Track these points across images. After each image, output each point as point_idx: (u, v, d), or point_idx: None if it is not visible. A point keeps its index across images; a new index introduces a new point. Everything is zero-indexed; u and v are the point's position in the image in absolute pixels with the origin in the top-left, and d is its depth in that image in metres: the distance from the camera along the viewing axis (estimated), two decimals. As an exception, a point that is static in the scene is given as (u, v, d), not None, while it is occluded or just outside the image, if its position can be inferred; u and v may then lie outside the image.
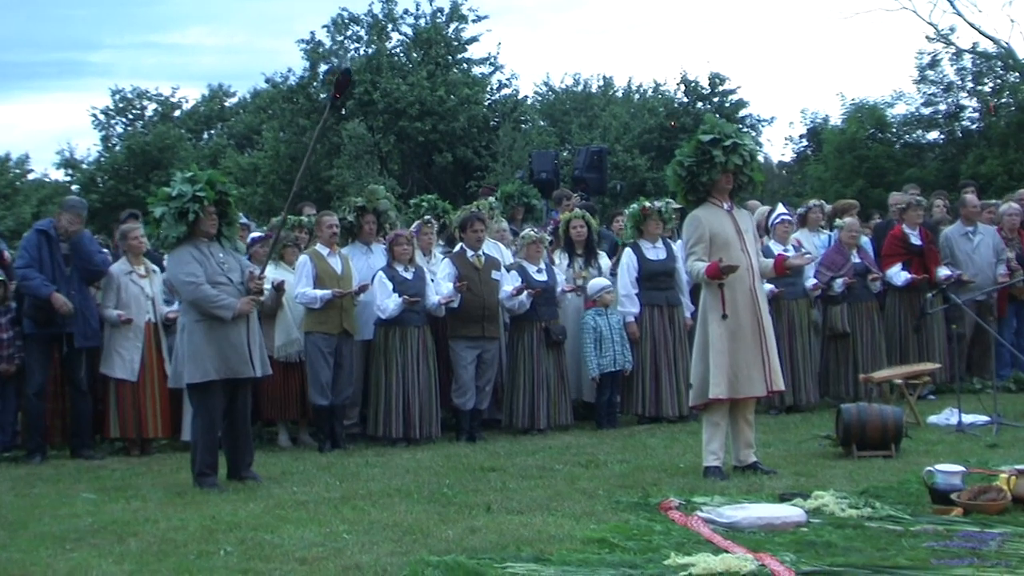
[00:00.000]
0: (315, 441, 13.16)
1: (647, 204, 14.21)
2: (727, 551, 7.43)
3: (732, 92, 43.15)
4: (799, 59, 74.42)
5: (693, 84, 42.80)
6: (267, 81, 46.76)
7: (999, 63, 37.12)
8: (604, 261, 14.58)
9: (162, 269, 12.62)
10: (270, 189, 44.00)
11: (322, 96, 42.26)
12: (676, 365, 13.79)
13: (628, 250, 14.11)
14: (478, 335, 13.38)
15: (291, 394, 13.32)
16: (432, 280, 13.41)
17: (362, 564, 7.36)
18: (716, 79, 42.71)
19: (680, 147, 10.88)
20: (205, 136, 58.13)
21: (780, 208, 14.90)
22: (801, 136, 41.84)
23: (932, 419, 13.02)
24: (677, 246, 13.60)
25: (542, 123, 46.30)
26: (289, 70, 45.69)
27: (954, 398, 13.03)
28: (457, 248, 13.79)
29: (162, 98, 58.10)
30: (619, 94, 48.50)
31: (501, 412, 13.96)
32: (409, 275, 13.14)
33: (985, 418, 12.62)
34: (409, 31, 45.41)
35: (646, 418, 13.84)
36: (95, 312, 12.96)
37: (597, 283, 13.89)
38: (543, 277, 13.65)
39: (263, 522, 8.84)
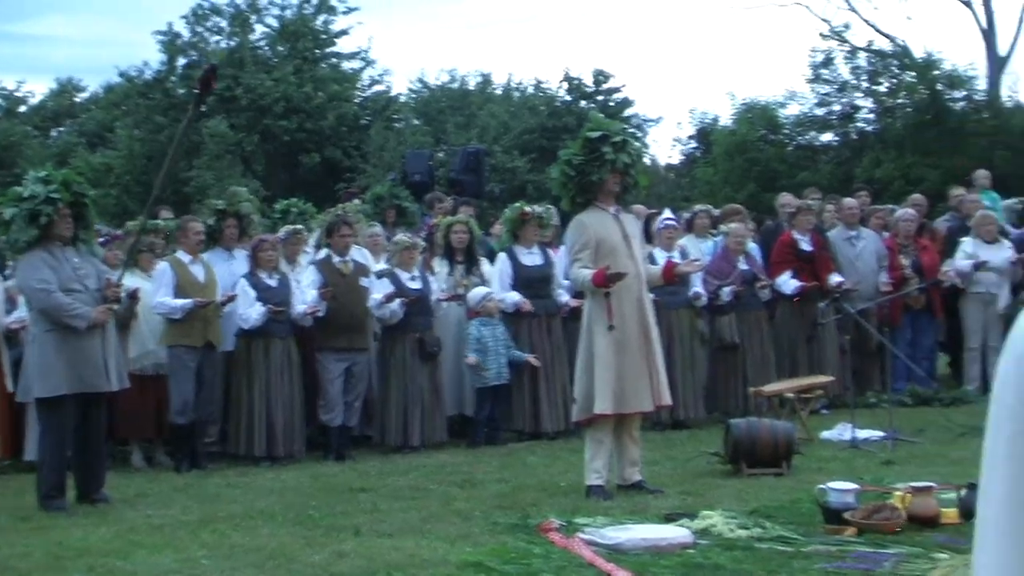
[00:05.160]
0: (172, 460, 13.01)
1: (526, 208, 14.25)
2: (610, 575, 7.48)
3: (617, 90, 43.44)
4: (687, 56, 75.16)
5: (576, 82, 43.03)
6: (121, 75, 46.14)
7: (895, 62, 37.76)
8: (487, 268, 14.54)
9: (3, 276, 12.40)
10: (124, 191, 43.40)
11: (180, 92, 41.82)
12: (555, 378, 13.82)
13: (503, 256, 14.13)
14: (346, 346, 13.32)
15: (146, 410, 13.13)
16: (297, 288, 13.32)
17: (222, 592, 7.31)
18: (601, 76, 42.97)
19: (564, 147, 10.93)
20: (54, 133, 57.20)
21: (666, 213, 15.01)
22: (690, 137, 42.27)
23: (825, 435, 13.16)
24: (558, 253, 13.66)
25: (416, 122, 46.17)
26: (145, 63, 45.12)
27: (848, 412, 13.22)
28: (323, 254, 13.71)
29: (6, 92, 57.09)
30: (498, 92, 48.55)
31: (371, 429, 13.90)
32: (273, 282, 13.05)
33: (880, 433, 12.82)
34: (274, 23, 45.10)
35: (525, 434, 13.87)
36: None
37: (479, 292, 13.84)
38: (417, 285, 13.61)
39: (115, 547, 8.74)
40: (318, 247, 14.26)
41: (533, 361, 13.70)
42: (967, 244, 16.03)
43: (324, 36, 45.22)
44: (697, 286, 14.49)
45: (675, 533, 8.50)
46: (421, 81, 50.62)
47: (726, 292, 14.58)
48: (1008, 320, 15.32)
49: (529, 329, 14.00)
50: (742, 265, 14.86)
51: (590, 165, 10.48)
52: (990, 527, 4.46)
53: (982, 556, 4.53)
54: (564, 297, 13.98)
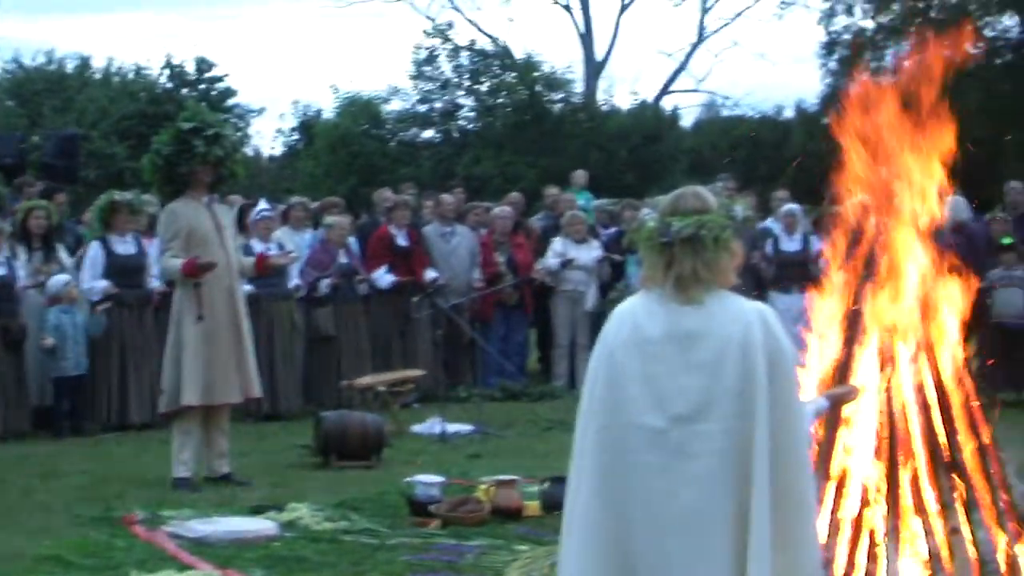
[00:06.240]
0: None
1: (116, 197, 13.97)
2: (193, 567, 7.46)
3: (220, 79, 42.92)
4: (291, 47, 74.69)
5: (178, 69, 42.32)
6: None
7: (496, 62, 38.57)
8: (64, 255, 14.12)
9: None
10: None
11: None
12: (144, 368, 13.60)
13: (95, 244, 13.82)
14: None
15: None
16: None
17: None
18: (203, 64, 42.38)
19: (159, 135, 10.80)
20: None
21: (262, 204, 14.96)
22: (292, 129, 42.04)
23: (416, 428, 13.38)
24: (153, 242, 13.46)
25: (9, 103, 44.51)
26: None
27: (439, 406, 13.50)
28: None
29: None
30: (97, 76, 47.27)
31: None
32: None
33: (469, 427, 13.15)
34: None
35: (112, 425, 13.60)
36: None
37: (59, 279, 13.47)
38: (1, 271, 13.18)
39: None
40: None
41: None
42: (557, 243, 16.53)
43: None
44: (296, 278, 14.52)
45: (260, 525, 8.55)
46: (16, 61, 48.80)
47: (324, 284, 14.66)
48: (596, 318, 15.95)
49: (120, 318, 13.73)
50: (341, 258, 14.96)
51: (180, 156, 10.39)
52: (578, 517, 4.72)
53: (569, 546, 4.78)
54: (155, 285, 13.76)
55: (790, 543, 4.52)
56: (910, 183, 6.66)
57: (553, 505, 8.95)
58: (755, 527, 4.44)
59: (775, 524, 4.45)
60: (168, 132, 10.56)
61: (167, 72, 42.29)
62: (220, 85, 42.55)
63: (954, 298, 6.65)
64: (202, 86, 42.02)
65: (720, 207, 4.79)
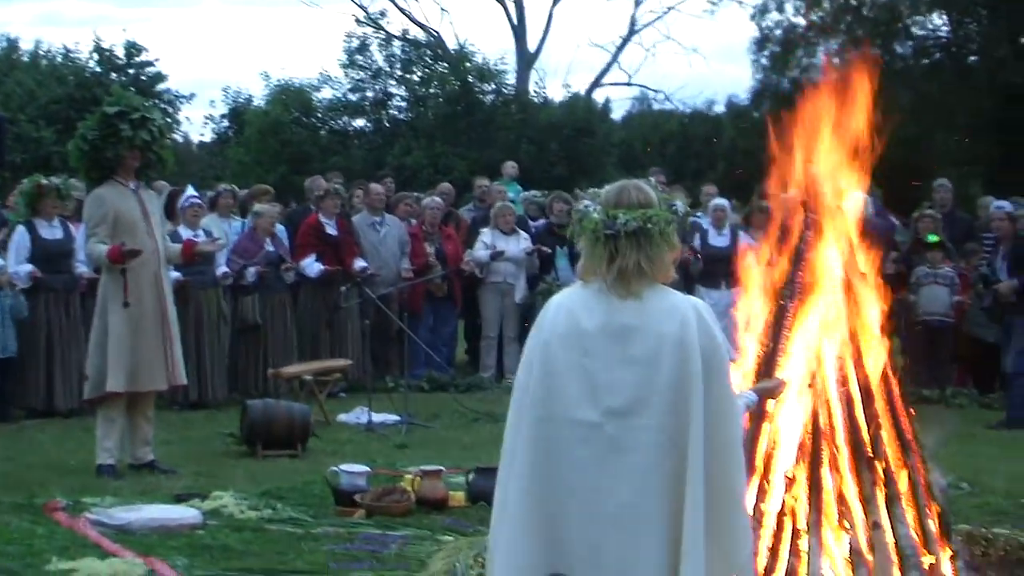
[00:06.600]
0: None
1: (42, 181, 13.85)
2: (115, 555, 7.43)
3: (150, 64, 42.61)
4: (223, 34, 74.25)
5: (108, 53, 41.98)
6: None
7: (429, 52, 38.55)
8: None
9: None
10: None
11: None
12: (71, 354, 13.49)
13: (21, 228, 13.68)
14: None
15: None
16: None
17: None
18: (133, 49, 42.05)
19: (85, 119, 10.72)
20: None
21: (190, 191, 14.87)
22: (222, 116, 41.80)
23: (342, 417, 13.41)
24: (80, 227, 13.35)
25: (-65, 86, 44.03)
26: None
27: (366, 396, 13.48)
28: None
29: None
30: (25, 59, 46.82)
31: None
32: None
33: (396, 417, 13.15)
34: None
35: (37, 412, 13.49)
36: None
37: (-10, 263, 13.38)
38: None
39: None
40: None
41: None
42: (486, 234, 16.53)
43: None
44: (223, 266, 14.45)
45: (184, 514, 8.52)
46: (-63, 45, 48.27)
47: (251, 272, 14.59)
48: (524, 310, 15.99)
49: (46, 304, 13.62)
50: (268, 246, 14.90)
51: (106, 141, 10.33)
52: (509, 509, 4.71)
53: (500, 538, 4.77)
54: (82, 271, 13.65)
55: (723, 536, 4.55)
56: (836, 180, 6.72)
57: (478, 496, 9.00)
58: (689, 521, 4.45)
59: (709, 518, 4.47)
60: (94, 116, 10.51)
61: (96, 56, 41.90)
62: (150, 70, 42.20)
63: (878, 295, 6.72)
64: (132, 71, 41.65)
65: (661, 202, 4.80)
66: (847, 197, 6.77)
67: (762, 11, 33.40)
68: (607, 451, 4.55)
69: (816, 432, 6.36)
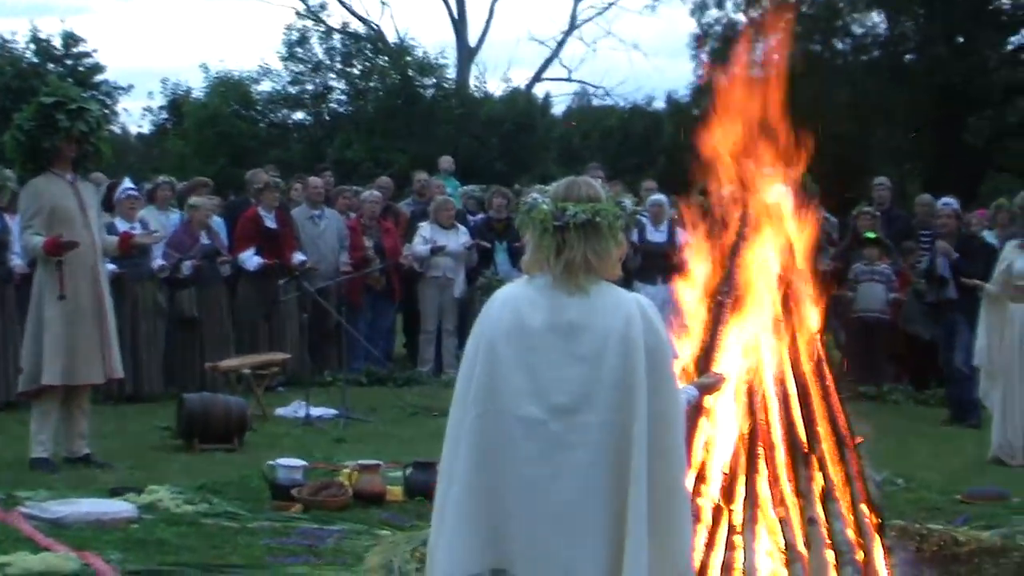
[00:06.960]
0: None
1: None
2: (49, 549, 7.37)
3: (88, 55, 42.30)
4: (162, 25, 73.75)
5: (45, 43, 41.63)
6: None
7: (369, 45, 38.47)
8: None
9: None
10: None
11: None
12: (7, 347, 13.38)
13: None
14: None
15: None
16: None
17: None
18: (71, 39, 41.74)
19: (22, 110, 10.65)
20: None
21: (126, 182, 14.77)
22: (161, 107, 41.58)
23: (280, 411, 13.39)
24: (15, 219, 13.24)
25: None
26: None
27: (304, 390, 13.45)
28: None
29: None
30: (-41, 49, 46.38)
31: None
32: None
33: (334, 411, 13.14)
34: None
35: (-29, 405, 13.37)
36: None
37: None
38: None
39: None
40: None
41: None
42: (425, 228, 16.51)
43: None
44: (159, 258, 14.36)
45: (119, 508, 8.46)
46: None
47: (186, 266, 14.51)
48: (463, 305, 16.00)
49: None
50: (204, 239, 14.81)
51: (43, 131, 10.25)
52: (451, 506, 4.69)
53: (441, 535, 4.75)
54: (17, 263, 13.53)
55: (666, 532, 4.54)
56: (772, 176, 6.75)
57: (416, 491, 9.01)
58: (633, 517, 4.43)
59: (652, 514, 4.46)
60: (31, 107, 10.43)
61: (33, 47, 41.52)
62: (88, 61, 41.88)
63: (815, 291, 6.76)
64: (69, 62, 41.32)
65: (609, 198, 4.81)
66: (771, 190, 6.80)
67: (702, 8, 33.52)
68: (551, 448, 4.53)
69: (753, 427, 6.39)
